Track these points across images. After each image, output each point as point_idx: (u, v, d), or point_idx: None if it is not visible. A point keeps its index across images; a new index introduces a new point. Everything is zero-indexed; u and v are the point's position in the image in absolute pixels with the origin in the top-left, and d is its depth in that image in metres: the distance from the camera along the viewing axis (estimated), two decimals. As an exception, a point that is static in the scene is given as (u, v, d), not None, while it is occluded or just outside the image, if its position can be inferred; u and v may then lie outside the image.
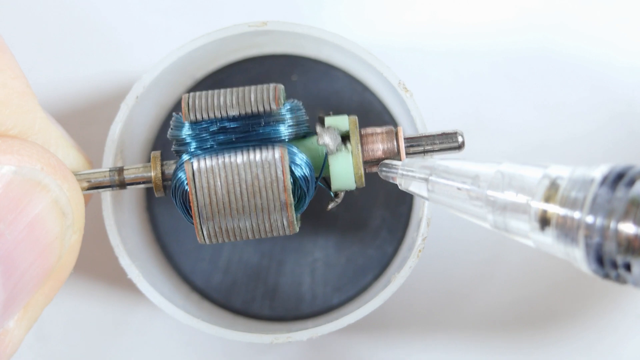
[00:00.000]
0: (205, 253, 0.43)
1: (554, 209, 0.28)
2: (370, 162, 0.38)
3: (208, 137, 0.37)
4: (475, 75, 0.45)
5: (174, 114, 0.37)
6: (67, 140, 0.37)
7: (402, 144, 0.37)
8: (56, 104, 0.45)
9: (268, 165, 0.36)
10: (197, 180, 0.36)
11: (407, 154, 0.37)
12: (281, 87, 0.37)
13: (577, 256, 0.28)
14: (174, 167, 0.37)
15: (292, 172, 0.36)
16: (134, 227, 0.42)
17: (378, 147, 0.37)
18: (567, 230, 0.28)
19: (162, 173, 0.38)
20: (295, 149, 0.37)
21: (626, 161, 0.28)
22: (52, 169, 0.34)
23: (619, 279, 0.27)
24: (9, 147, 0.33)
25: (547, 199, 0.28)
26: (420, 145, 0.37)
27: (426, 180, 0.33)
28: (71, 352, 0.45)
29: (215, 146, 0.37)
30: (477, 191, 0.31)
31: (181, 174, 0.37)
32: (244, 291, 0.43)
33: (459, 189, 0.32)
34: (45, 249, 0.34)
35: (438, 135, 0.37)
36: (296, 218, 0.37)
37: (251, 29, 0.40)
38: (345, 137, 0.37)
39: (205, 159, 0.36)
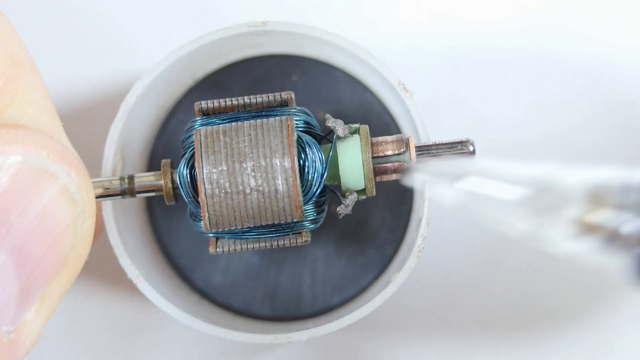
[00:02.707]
0: (205, 253, 0.43)
1: (600, 216, 0.27)
2: (379, 161, 0.37)
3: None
4: (475, 75, 0.45)
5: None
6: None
7: (414, 153, 0.37)
8: (56, 104, 0.45)
9: None
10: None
11: None
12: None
13: (616, 264, 0.26)
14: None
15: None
16: (134, 227, 0.42)
17: (387, 148, 0.37)
18: (614, 238, 0.26)
19: (172, 181, 0.38)
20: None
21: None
22: (59, 155, 0.33)
23: None
24: (14, 137, 0.33)
25: (592, 204, 0.27)
26: (430, 153, 0.37)
27: (456, 188, 0.31)
28: (71, 353, 0.45)
29: None
30: (511, 201, 0.29)
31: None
32: (244, 291, 0.43)
33: (495, 198, 0.30)
34: (58, 238, 0.33)
35: (449, 143, 0.37)
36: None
37: (251, 29, 0.40)
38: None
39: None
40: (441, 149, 0.37)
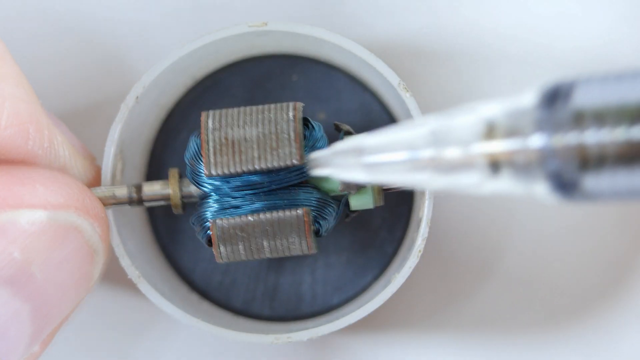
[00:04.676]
0: (205, 253, 0.43)
1: (501, 147, 0.27)
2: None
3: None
4: (476, 75, 0.45)
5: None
6: (71, 145, 0.37)
7: None
8: (56, 105, 0.45)
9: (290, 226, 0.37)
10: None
11: None
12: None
13: (540, 189, 0.26)
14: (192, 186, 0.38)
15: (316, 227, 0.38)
16: (134, 227, 0.42)
17: None
18: (521, 165, 0.26)
19: (181, 190, 0.38)
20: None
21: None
22: (86, 210, 0.34)
23: (586, 197, 0.26)
24: (43, 188, 0.33)
25: (490, 138, 0.27)
26: None
27: (360, 164, 0.31)
28: (70, 352, 0.45)
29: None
30: (416, 160, 0.29)
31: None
32: (244, 291, 0.43)
33: (397, 164, 0.30)
34: (75, 286, 0.34)
35: None
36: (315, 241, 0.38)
37: (251, 29, 0.40)
38: None
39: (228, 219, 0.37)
40: None
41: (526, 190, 0.27)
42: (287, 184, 0.37)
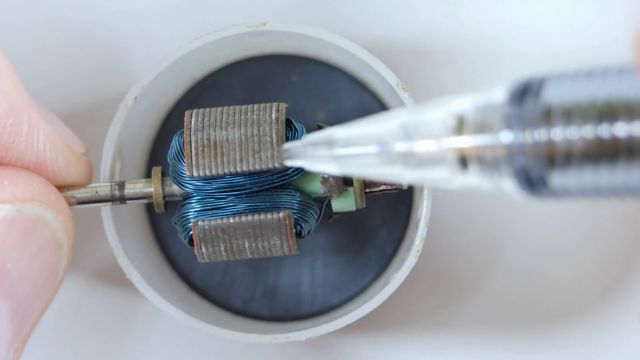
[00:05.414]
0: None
1: (469, 142, 0.27)
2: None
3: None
4: (474, 76, 0.45)
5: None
6: (59, 140, 0.37)
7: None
8: (55, 104, 0.45)
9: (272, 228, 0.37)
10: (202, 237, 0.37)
11: None
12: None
13: (507, 186, 0.26)
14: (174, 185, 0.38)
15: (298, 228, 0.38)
16: (132, 226, 0.42)
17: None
18: (489, 161, 0.26)
19: (163, 189, 0.38)
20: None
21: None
22: (51, 204, 0.34)
23: (553, 195, 0.26)
24: (10, 184, 0.33)
25: (459, 134, 0.27)
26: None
27: (331, 157, 0.32)
28: (69, 352, 0.45)
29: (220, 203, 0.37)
30: (386, 153, 0.29)
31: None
32: (243, 291, 0.43)
33: (367, 157, 0.30)
34: (46, 282, 0.34)
35: None
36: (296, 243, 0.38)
37: (250, 29, 0.40)
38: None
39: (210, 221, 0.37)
40: None
41: (494, 186, 0.27)
42: (269, 186, 0.37)
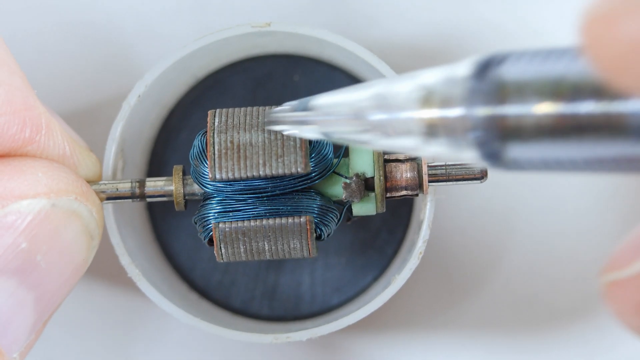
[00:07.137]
0: (204, 252, 0.43)
1: (434, 114, 0.27)
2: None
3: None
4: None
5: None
6: (69, 135, 0.37)
7: (426, 178, 0.37)
8: (58, 103, 0.45)
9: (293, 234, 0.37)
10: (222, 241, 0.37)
11: (430, 181, 0.37)
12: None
13: (471, 156, 0.27)
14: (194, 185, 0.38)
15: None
16: (134, 226, 0.42)
17: (401, 177, 0.38)
18: (451, 132, 0.27)
19: (184, 188, 0.38)
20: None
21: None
22: (84, 196, 0.35)
23: (515, 166, 0.27)
24: (44, 176, 0.34)
25: (425, 106, 0.28)
26: (442, 168, 0.37)
27: (309, 122, 0.33)
28: (70, 351, 0.45)
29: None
30: (359, 121, 0.30)
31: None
32: (244, 291, 0.43)
33: (342, 123, 0.31)
34: (73, 273, 0.35)
35: (459, 164, 0.37)
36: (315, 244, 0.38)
37: (255, 29, 0.40)
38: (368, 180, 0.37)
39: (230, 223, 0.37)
40: (452, 167, 0.37)
41: (459, 155, 0.28)
42: (291, 190, 0.37)
